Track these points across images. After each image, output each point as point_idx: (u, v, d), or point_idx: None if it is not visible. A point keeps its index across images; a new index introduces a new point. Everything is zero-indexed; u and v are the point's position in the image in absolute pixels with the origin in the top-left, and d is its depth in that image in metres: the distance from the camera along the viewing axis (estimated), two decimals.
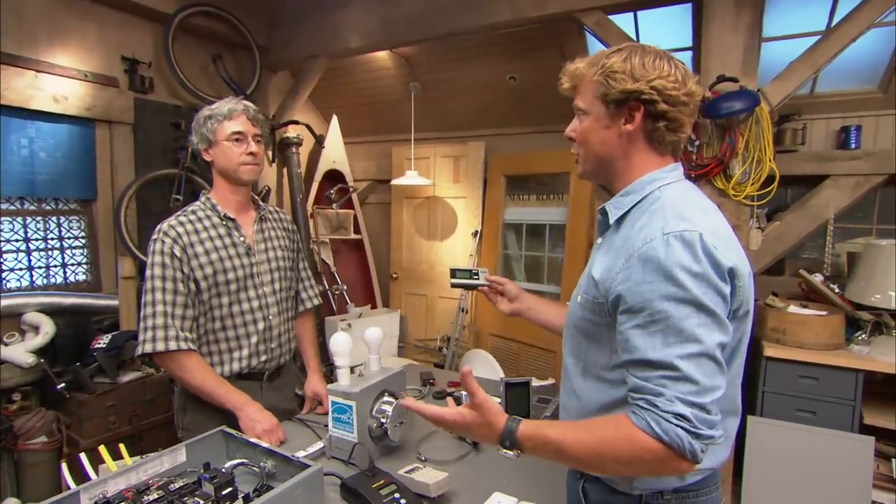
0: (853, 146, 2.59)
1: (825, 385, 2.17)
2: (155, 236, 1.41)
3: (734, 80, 2.15)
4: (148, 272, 1.39)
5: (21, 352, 2.34)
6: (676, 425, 0.72)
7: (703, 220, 0.80)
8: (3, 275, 2.58)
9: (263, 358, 1.53)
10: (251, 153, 1.47)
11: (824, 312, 2.30)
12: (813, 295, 2.53)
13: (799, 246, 2.75)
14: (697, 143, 2.21)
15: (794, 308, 2.37)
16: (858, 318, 2.33)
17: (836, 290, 2.42)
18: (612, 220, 0.90)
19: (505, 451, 0.83)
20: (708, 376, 0.74)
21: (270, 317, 1.53)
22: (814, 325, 2.23)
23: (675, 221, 0.79)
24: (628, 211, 0.89)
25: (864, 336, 2.23)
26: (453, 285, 1.41)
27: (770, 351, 2.24)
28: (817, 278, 2.48)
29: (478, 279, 1.38)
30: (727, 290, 0.77)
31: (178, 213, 1.48)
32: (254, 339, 1.50)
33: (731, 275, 0.77)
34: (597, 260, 0.90)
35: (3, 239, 2.57)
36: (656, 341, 0.75)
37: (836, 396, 2.16)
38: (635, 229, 0.83)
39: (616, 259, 0.83)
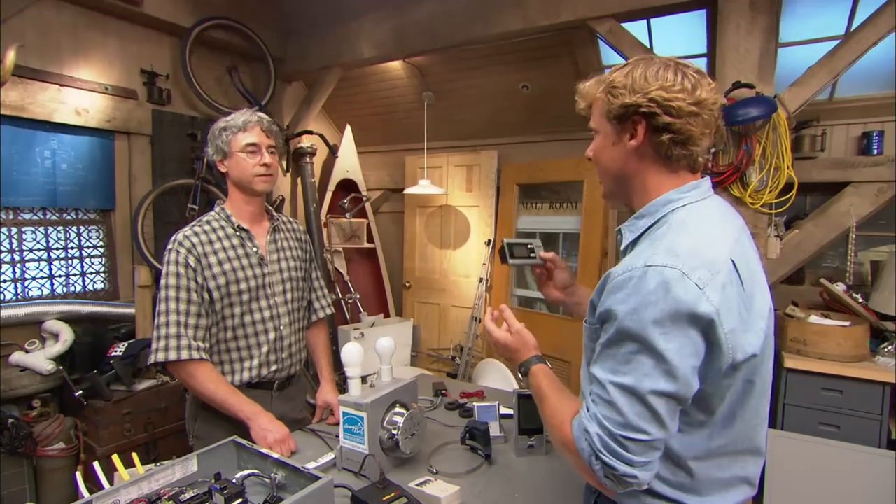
0: (875, 152, 2.53)
1: (849, 398, 2.10)
2: (170, 246, 1.43)
3: (750, 86, 2.12)
4: (162, 281, 1.41)
5: (41, 359, 2.38)
6: (584, 439, 0.77)
7: (699, 253, 0.75)
8: (26, 283, 2.64)
9: (274, 368, 1.53)
10: (265, 164, 1.49)
11: (847, 323, 2.24)
12: (835, 305, 2.46)
13: (819, 254, 2.68)
14: (713, 150, 2.18)
15: (815, 318, 2.31)
16: (883, 328, 2.26)
17: (860, 300, 2.36)
18: (622, 246, 0.89)
19: (517, 379, 0.90)
20: (636, 416, 0.73)
21: (281, 327, 1.54)
22: (836, 335, 2.16)
23: (663, 254, 0.75)
24: (641, 235, 0.86)
25: (890, 347, 2.16)
26: (512, 265, 1.22)
27: (790, 362, 2.18)
28: (839, 287, 2.41)
29: (535, 256, 1.21)
30: (698, 337, 0.72)
31: (193, 223, 1.49)
32: (264, 349, 1.50)
33: (709, 323, 0.72)
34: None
35: (25, 248, 2.63)
36: (607, 363, 0.78)
37: (862, 410, 2.09)
38: (634, 255, 0.81)
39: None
